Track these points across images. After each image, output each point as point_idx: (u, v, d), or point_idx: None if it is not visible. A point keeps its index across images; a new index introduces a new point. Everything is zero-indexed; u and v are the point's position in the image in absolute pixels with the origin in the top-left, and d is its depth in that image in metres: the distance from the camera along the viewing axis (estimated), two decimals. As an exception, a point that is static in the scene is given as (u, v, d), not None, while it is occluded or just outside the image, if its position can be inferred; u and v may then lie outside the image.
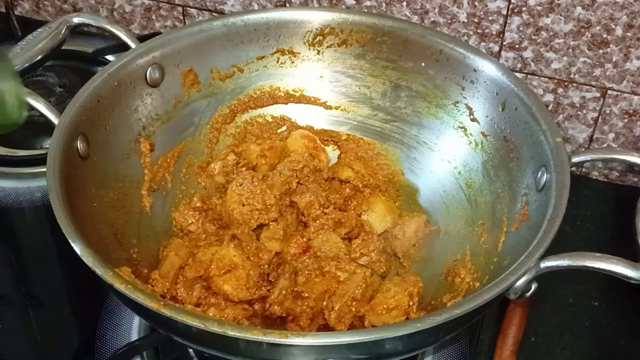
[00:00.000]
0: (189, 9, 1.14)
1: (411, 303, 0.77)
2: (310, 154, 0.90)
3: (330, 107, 0.97)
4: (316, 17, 0.94)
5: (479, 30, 1.00)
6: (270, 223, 0.81)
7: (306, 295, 0.76)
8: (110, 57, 1.14)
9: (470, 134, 0.89)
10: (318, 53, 0.95)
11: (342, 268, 0.78)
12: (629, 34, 0.94)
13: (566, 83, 1.00)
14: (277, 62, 0.96)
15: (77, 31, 0.95)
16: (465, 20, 1.00)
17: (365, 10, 1.03)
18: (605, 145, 1.04)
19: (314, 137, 0.93)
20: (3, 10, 1.24)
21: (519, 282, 0.68)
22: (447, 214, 0.89)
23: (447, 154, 0.91)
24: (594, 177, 1.06)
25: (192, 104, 0.93)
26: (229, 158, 0.91)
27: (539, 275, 0.69)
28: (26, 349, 0.85)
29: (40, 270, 0.92)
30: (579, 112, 1.02)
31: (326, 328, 0.77)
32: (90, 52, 1.17)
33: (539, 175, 0.78)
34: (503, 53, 1.01)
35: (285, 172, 0.83)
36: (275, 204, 0.81)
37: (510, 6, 0.97)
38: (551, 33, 0.97)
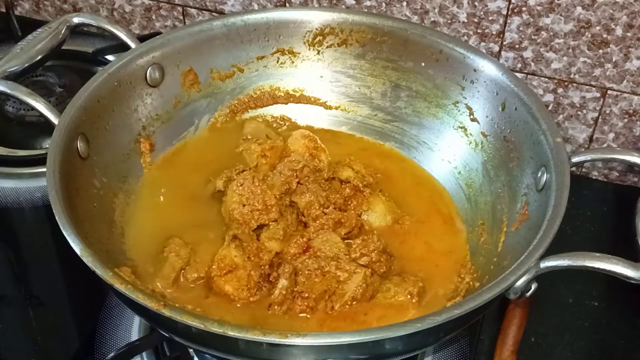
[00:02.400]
0: (189, 9, 1.14)
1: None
2: (310, 154, 0.90)
3: (330, 107, 0.97)
4: (316, 17, 0.94)
5: (479, 30, 1.00)
6: (271, 223, 0.81)
7: (306, 295, 0.76)
8: (110, 57, 1.14)
9: (470, 134, 0.89)
10: (318, 53, 0.95)
11: (342, 268, 0.78)
12: (629, 34, 0.94)
13: (566, 83, 1.00)
14: (277, 62, 0.96)
15: (77, 31, 0.95)
16: (465, 20, 1.00)
17: (365, 10, 1.03)
18: (605, 145, 1.04)
19: (314, 137, 0.93)
20: (3, 10, 1.24)
21: (519, 282, 0.68)
22: (447, 214, 0.89)
23: (447, 154, 0.91)
24: (594, 177, 1.06)
25: (192, 104, 0.93)
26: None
27: (538, 275, 0.69)
28: (26, 349, 0.85)
29: (40, 270, 0.92)
30: (579, 112, 1.02)
31: (326, 328, 0.77)
32: (90, 52, 1.17)
33: (539, 175, 0.77)
34: (503, 53, 1.01)
35: (286, 172, 0.83)
36: (275, 204, 0.80)
37: (510, 6, 0.97)
38: (551, 33, 0.97)
